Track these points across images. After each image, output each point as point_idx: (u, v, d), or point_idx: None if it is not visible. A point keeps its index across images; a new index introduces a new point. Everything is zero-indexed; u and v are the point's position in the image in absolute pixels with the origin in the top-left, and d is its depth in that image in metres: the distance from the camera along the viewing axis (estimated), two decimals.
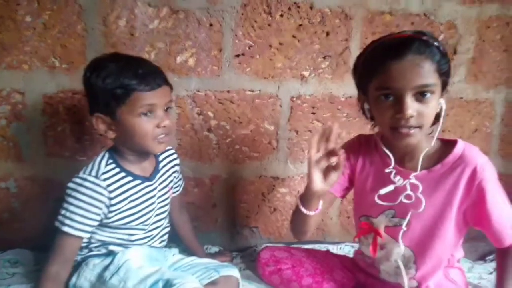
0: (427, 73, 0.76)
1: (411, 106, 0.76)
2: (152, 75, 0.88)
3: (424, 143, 0.85)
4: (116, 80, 0.84)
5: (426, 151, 0.84)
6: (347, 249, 1.36)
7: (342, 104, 1.34)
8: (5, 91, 1.16)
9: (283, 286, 1.09)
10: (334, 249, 1.34)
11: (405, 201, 0.85)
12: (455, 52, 1.33)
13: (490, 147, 1.44)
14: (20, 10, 1.10)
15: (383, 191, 0.87)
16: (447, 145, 0.86)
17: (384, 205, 0.88)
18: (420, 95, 0.77)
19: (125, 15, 1.15)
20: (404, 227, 0.88)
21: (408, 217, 0.87)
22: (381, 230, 0.93)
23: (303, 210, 0.88)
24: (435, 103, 0.79)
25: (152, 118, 0.88)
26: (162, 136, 0.90)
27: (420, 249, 0.90)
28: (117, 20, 1.15)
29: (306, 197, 0.87)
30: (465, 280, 0.98)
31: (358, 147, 0.98)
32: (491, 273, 1.23)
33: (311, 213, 0.88)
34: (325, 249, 1.24)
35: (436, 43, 0.78)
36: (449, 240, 0.88)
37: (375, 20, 1.27)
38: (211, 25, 1.20)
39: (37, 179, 1.24)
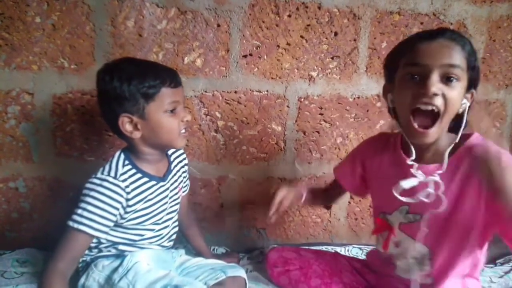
0: (456, 55, 0.76)
1: (436, 84, 0.76)
2: (173, 73, 0.93)
3: (444, 140, 0.83)
4: (143, 79, 0.87)
5: (443, 148, 0.82)
6: (354, 251, 1.35)
7: (350, 104, 1.33)
8: (14, 92, 1.16)
9: (291, 287, 1.09)
10: (341, 251, 1.33)
11: (423, 199, 0.82)
12: None
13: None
14: (29, 11, 1.11)
15: (406, 184, 0.82)
16: (461, 140, 0.83)
17: (399, 200, 0.84)
18: (447, 79, 0.77)
19: (133, 15, 1.15)
20: (425, 228, 0.84)
21: (426, 217, 0.84)
22: (395, 227, 0.92)
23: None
24: (460, 93, 0.78)
25: (175, 114, 0.93)
26: (184, 130, 0.96)
27: (436, 246, 0.87)
28: (126, 20, 1.16)
29: None
30: None
31: (377, 145, 0.99)
32: (501, 277, 1.22)
33: (300, 203, 1.11)
34: (332, 251, 1.24)
35: (468, 39, 0.80)
36: (466, 239, 0.84)
37: (384, 20, 1.27)
38: (218, 25, 1.20)
39: (46, 179, 1.25)
